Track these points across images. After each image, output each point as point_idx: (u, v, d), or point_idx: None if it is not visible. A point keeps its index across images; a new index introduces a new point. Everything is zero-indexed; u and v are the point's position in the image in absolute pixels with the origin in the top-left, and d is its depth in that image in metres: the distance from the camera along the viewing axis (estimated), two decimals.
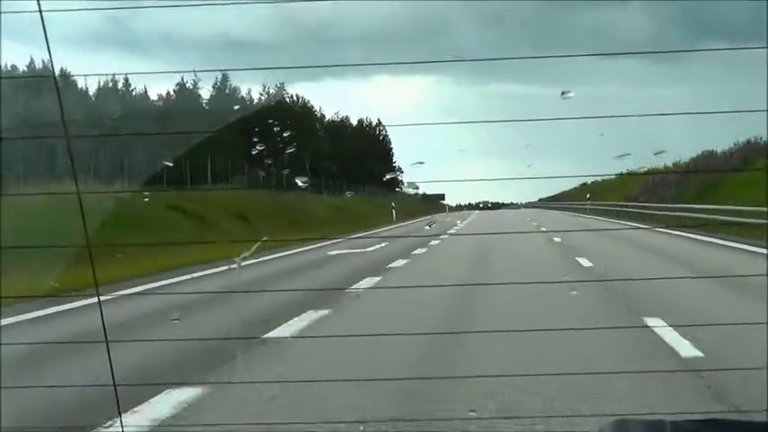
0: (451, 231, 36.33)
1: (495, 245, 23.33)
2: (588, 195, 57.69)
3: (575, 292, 12.76)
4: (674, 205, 38.15)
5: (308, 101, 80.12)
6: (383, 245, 26.57)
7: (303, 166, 67.47)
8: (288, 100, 76.16)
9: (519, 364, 7.82)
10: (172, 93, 70.04)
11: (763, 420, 5.71)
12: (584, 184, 66.48)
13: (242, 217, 39.04)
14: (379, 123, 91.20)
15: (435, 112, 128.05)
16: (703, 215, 33.20)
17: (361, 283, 15.78)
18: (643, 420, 2.06)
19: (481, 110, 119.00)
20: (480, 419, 5.97)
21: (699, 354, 8.07)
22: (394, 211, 50.64)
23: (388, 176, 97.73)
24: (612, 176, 53.62)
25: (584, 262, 18.83)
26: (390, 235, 35.08)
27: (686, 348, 8.32)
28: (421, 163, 4.30)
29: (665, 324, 9.53)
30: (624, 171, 43.38)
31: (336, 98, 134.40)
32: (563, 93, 3.62)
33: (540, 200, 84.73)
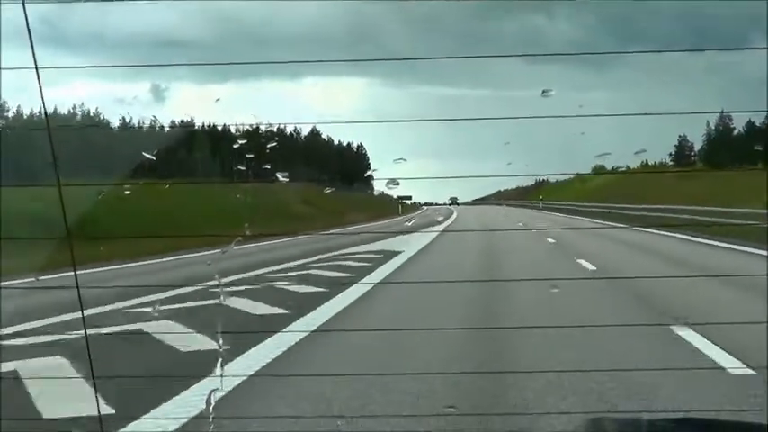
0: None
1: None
2: (501, 201, 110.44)
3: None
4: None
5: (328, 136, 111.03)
6: None
7: (319, 174, 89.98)
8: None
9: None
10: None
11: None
12: (499, 191, 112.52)
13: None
14: (361, 146, 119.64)
15: (366, 113, 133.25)
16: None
17: None
18: (619, 418, 2.08)
19: (411, 111, 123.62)
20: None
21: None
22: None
23: (368, 173, 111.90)
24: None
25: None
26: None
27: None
28: (403, 159, 4.30)
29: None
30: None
31: (269, 97, 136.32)
32: (544, 91, 3.64)
33: (474, 200, 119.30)
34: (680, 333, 8.87)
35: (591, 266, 18.38)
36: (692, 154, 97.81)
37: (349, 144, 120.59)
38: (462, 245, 26.07)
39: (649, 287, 12.97)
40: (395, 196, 76.01)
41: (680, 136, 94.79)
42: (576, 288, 13.65)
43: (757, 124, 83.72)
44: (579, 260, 19.50)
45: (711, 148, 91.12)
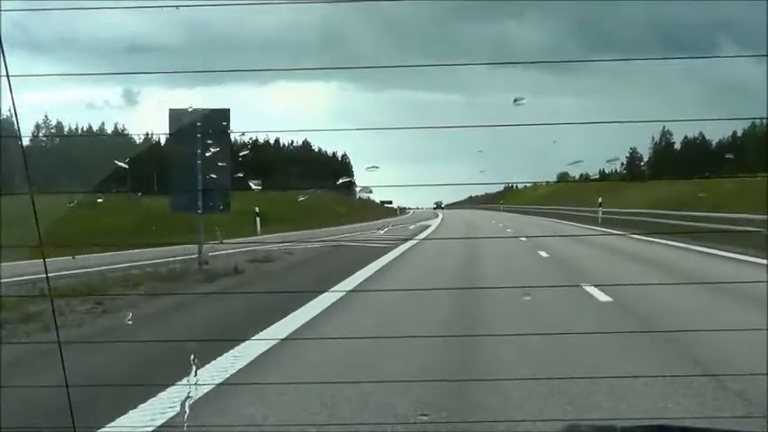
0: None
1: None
2: (475, 205, 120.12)
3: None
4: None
5: (323, 149, 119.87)
6: None
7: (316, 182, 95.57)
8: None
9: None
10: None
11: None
12: (470, 196, 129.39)
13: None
14: (346, 155, 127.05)
15: (341, 118, 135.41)
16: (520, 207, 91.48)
17: None
18: (593, 425, 2.07)
19: (386, 115, 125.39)
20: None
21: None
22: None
23: (342, 179, 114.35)
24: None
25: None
26: None
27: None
28: (376, 167, 4.31)
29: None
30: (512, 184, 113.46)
31: (239, 102, 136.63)
32: (515, 100, 3.66)
33: (446, 204, 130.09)
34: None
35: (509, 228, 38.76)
36: (642, 164, 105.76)
37: (334, 153, 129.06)
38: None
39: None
40: (377, 201, 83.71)
41: (630, 148, 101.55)
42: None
43: (695, 138, 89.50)
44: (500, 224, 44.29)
45: (656, 160, 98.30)
